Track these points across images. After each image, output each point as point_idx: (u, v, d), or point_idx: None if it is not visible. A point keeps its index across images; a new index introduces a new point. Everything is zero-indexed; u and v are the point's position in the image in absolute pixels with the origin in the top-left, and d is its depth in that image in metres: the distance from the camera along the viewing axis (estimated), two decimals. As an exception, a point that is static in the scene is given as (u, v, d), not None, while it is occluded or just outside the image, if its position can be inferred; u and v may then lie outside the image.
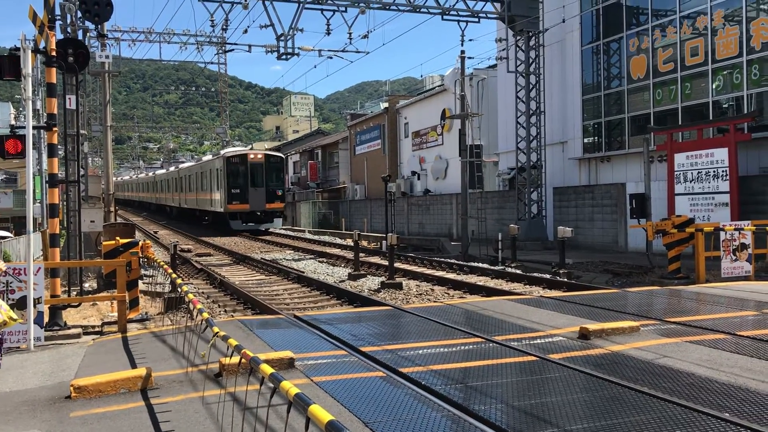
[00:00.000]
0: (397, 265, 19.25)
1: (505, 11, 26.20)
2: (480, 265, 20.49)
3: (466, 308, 11.26)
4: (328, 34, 26.20)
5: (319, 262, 23.36)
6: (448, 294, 15.42)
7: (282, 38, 24.63)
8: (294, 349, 7.89)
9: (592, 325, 8.79)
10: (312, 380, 6.79)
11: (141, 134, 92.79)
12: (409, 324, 10.00)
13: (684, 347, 7.99)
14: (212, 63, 57.31)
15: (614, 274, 17.89)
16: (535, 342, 8.38)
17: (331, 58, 33.17)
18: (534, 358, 7.53)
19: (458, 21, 26.29)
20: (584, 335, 8.55)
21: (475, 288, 15.55)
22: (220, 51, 51.92)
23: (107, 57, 24.08)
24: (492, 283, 16.82)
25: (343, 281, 18.05)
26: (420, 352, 7.97)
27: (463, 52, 26.10)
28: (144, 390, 6.71)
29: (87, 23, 20.26)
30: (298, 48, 25.97)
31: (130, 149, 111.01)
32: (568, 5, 26.71)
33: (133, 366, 7.68)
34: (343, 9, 24.64)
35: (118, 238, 12.39)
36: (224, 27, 26.79)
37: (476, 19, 26.32)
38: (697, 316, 10.25)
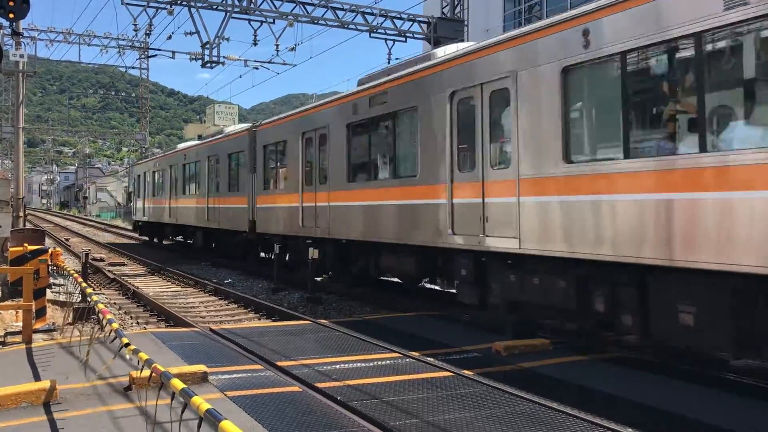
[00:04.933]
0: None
1: (431, 32, 26.67)
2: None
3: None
4: (255, 44, 26.01)
5: (238, 275, 22.98)
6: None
7: (207, 46, 24.29)
8: (208, 362, 7.75)
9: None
10: (226, 395, 6.68)
11: (55, 138, 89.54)
12: (327, 338, 9.97)
13: None
14: (134, 68, 55.71)
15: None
16: (451, 357, 8.47)
17: (257, 68, 32.96)
18: (449, 373, 7.62)
19: (386, 39, 26.61)
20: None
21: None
22: (143, 56, 50.98)
23: (22, 56, 23.20)
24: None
25: (262, 295, 17.82)
26: (337, 367, 7.96)
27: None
28: (47, 404, 6.45)
29: (1, 20, 19.45)
30: (224, 57, 25.64)
31: (43, 153, 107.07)
32: (493, 28, 27.43)
33: (37, 378, 7.36)
34: (271, 21, 24.55)
35: (26, 244, 11.90)
36: (148, 32, 26.16)
37: (403, 39, 26.69)
38: None
